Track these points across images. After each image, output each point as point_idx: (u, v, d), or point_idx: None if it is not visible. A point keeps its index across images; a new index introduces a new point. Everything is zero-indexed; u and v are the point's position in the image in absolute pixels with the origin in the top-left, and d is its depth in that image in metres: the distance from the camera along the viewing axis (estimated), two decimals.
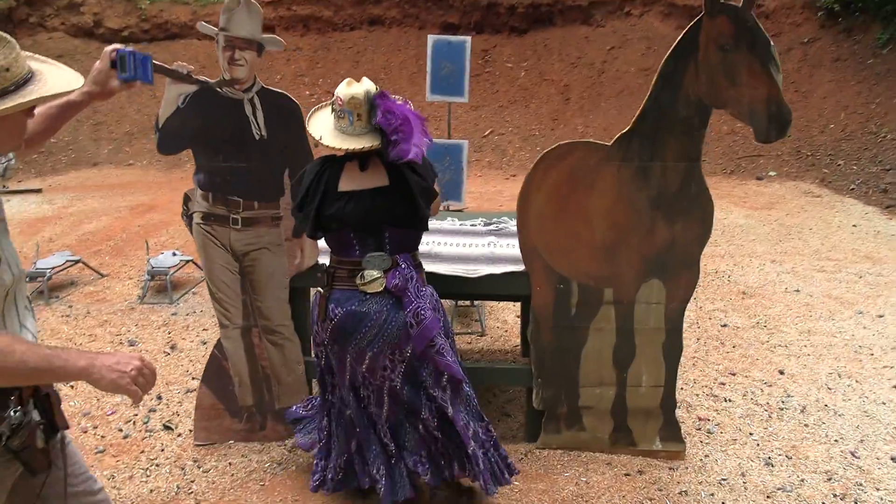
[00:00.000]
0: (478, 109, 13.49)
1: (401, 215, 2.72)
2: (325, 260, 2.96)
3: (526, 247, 3.29)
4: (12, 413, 1.57)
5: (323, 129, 2.70)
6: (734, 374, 4.36)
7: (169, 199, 9.69)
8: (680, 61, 3.01)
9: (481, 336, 5.02)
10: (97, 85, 2.03)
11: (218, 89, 3.14)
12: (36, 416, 1.66)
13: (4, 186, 9.97)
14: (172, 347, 4.80)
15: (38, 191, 10.41)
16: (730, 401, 4.03)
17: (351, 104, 2.56)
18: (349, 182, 2.71)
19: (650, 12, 14.13)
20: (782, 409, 3.92)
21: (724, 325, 5.17)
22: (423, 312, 2.71)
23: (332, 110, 2.68)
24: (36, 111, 1.90)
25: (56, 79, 1.61)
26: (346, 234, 2.74)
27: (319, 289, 2.85)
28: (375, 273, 2.70)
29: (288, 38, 14.76)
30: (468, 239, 3.87)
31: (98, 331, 5.12)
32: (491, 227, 4.07)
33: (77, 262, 6.24)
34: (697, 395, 4.10)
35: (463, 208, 7.85)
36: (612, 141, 3.14)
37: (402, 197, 2.70)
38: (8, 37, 1.53)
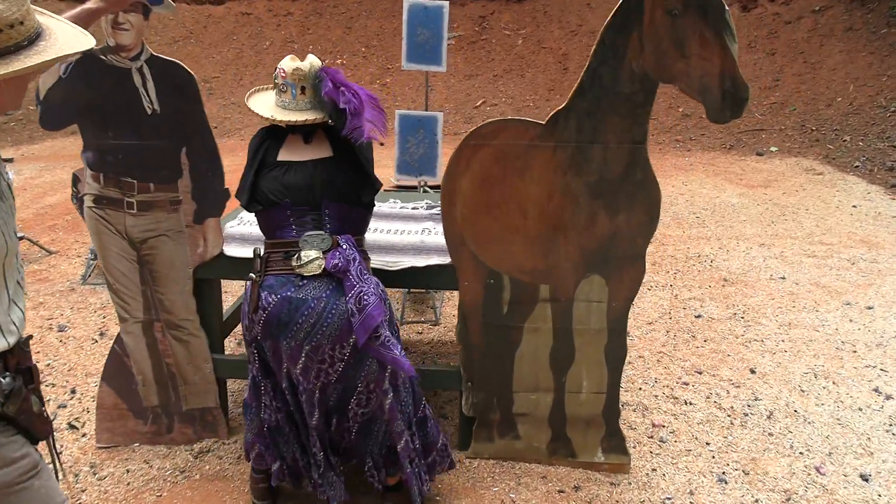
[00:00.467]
0: (471, 78, 13.04)
1: (343, 189, 2.53)
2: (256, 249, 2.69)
3: (452, 237, 2.93)
4: (2, 379, 1.56)
5: (262, 105, 2.58)
6: (700, 373, 4.01)
7: None
8: (622, 29, 2.62)
9: (434, 325, 4.68)
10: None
11: (101, 56, 2.78)
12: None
13: None
14: (101, 334, 4.49)
15: (10, 160, 10.10)
16: (690, 404, 3.68)
17: (295, 76, 2.46)
18: (290, 153, 2.56)
19: None
20: (747, 415, 3.57)
21: (699, 316, 4.80)
22: (366, 298, 2.42)
23: (275, 86, 2.55)
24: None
25: (66, 35, 1.54)
26: (281, 211, 2.52)
27: (251, 275, 2.54)
28: (313, 253, 2.45)
29: (279, 3, 14.34)
30: (402, 224, 3.51)
31: (30, 314, 4.82)
32: (433, 211, 3.71)
33: (21, 238, 5.93)
34: (657, 396, 3.76)
35: (438, 184, 7.52)
36: (547, 119, 2.77)
37: (346, 168, 2.54)
38: None
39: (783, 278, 5.51)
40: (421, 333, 4.55)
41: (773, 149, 10.44)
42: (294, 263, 2.46)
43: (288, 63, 2.51)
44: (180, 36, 13.94)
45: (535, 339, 3.02)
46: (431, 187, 7.88)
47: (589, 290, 2.95)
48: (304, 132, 2.58)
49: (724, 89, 2.54)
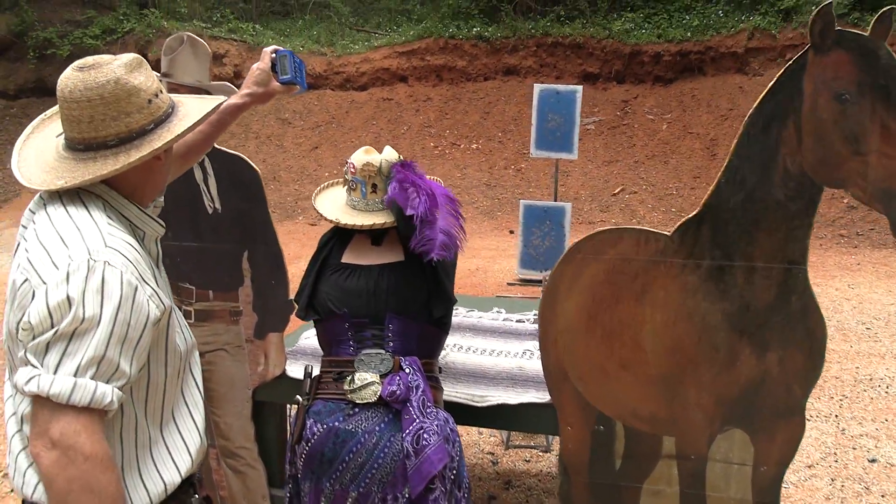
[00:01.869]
0: (610, 164, 12.46)
1: (411, 300, 2.10)
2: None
3: (552, 370, 2.37)
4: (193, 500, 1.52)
5: (330, 203, 2.24)
6: None
7: None
8: (774, 118, 2.04)
9: (545, 452, 4.05)
10: (259, 85, 1.94)
11: None
12: None
13: None
14: None
15: None
16: None
17: (365, 172, 2.15)
18: (355, 255, 2.19)
19: None
20: None
21: (873, 461, 3.90)
22: (426, 437, 1.94)
23: (345, 181, 2.22)
24: None
25: (194, 101, 1.55)
26: (339, 323, 2.11)
27: (298, 397, 2.15)
28: (369, 377, 2.02)
29: (420, 89, 14.48)
30: (501, 343, 2.98)
31: None
32: None
33: None
34: None
35: None
36: (674, 230, 2.19)
37: (417, 277, 2.11)
38: (141, 57, 1.44)
39: None
40: (529, 461, 3.93)
41: None
42: (346, 387, 2.03)
43: (359, 156, 2.18)
44: (323, 121, 14.28)
45: None
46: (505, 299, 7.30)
47: (728, 448, 2.28)
48: (373, 234, 2.19)
49: None
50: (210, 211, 2.54)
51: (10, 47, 15.42)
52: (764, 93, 2.04)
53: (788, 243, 2.09)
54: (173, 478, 1.45)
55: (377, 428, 1.98)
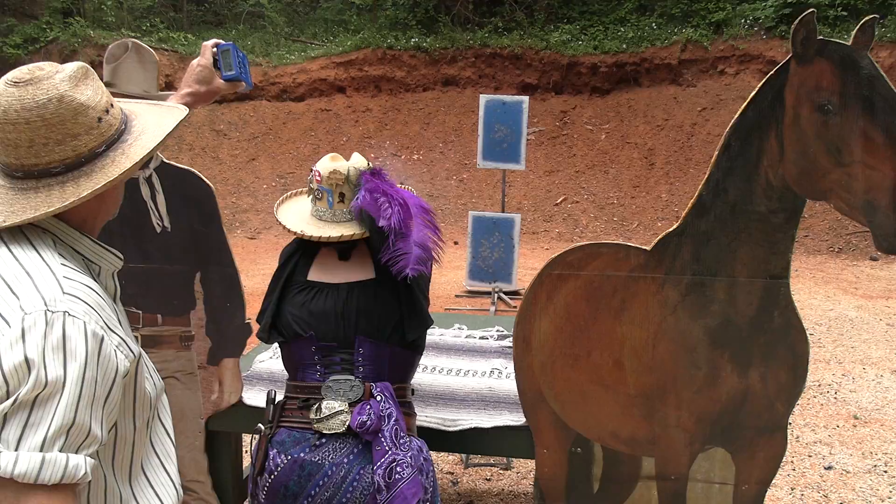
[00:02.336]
0: (551, 175, 12.54)
1: (383, 323, 1.94)
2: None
3: (527, 392, 2.27)
4: None
5: (294, 215, 2.06)
6: None
7: None
8: (754, 130, 1.99)
9: (505, 470, 3.95)
10: (201, 84, 1.80)
11: None
12: None
13: None
14: None
15: None
16: None
17: (331, 180, 1.96)
18: (322, 271, 2.01)
19: (746, 70, 12.95)
20: None
21: (829, 468, 3.93)
22: (399, 470, 1.81)
23: (310, 190, 2.03)
24: None
25: (150, 112, 1.35)
26: (306, 346, 1.95)
27: (260, 425, 1.98)
28: (337, 405, 1.88)
29: (358, 100, 14.33)
30: (467, 362, 2.87)
31: None
32: (505, 344, 3.07)
33: None
34: None
35: (517, 290, 6.88)
36: (653, 245, 2.12)
37: (389, 296, 1.95)
38: (87, 66, 1.24)
39: None
40: (489, 480, 3.83)
41: None
42: (312, 416, 1.89)
43: (325, 164, 2.00)
44: (259, 132, 13.98)
45: None
46: (506, 293, 7.27)
47: (709, 468, 2.22)
48: (340, 248, 2.03)
49: None
50: (158, 230, 2.36)
51: None
52: (745, 104, 1.99)
53: (771, 257, 2.05)
54: None
55: (345, 460, 1.85)
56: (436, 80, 14.55)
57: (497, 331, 3.24)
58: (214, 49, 1.82)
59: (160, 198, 2.34)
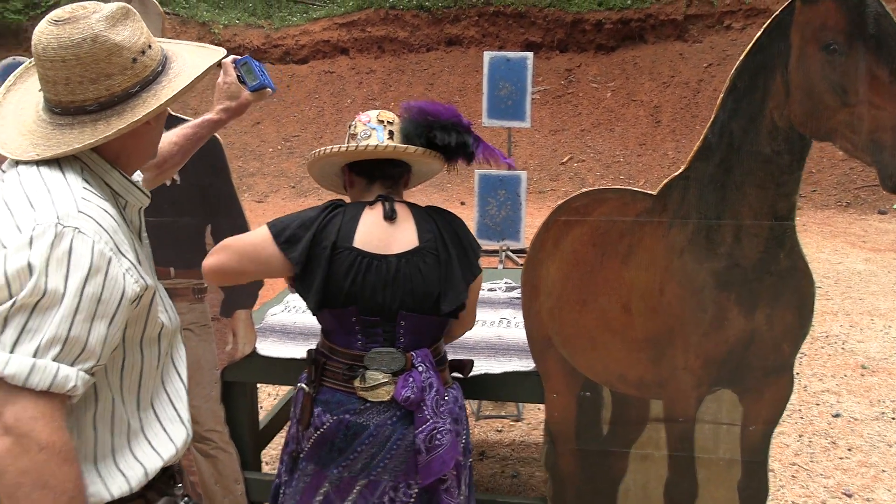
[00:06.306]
0: (557, 134, 12.47)
1: (426, 297, 1.92)
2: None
3: (536, 337, 2.31)
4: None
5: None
6: (850, 496, 3.21)
7: None
8: (760, 71, 1.99)
9: (516, 421, 4.02)
10: (231, 99, 1.86)
11: None
12: None
13: None
14: None
15: None
16: None
17: (382, 117, 2.00)
18: (369, 238, 1.90)
19: (753, 25, 12.77)
20: None
21: (837, 416, 3.98)
22: (439, 437, 1.89)
23: (352, 137, 2.02)
24: (169, 132, 1.76)
25: (190, 52, 1.37)
26: (346, 315, 1.92)
27: (302, 385, 2.00)
28: (381, 376, 1.90)
29: (362, 61, 14.23)
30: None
31: None
32: (513, 295, 3.09)
33: None
34: None
35: (524, 248, 6.89)
36: (659, 189, 2.14)
37: (432, 268, 1.92)
38: (128, 6, 1.25)
39: None
40: (501, 431, 3.89)
41: None
42: (357, 384, 1.91)
43: (370, 113, 2.03)
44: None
45: (644, 470, 2.33)
46: (514, 251, 7.27)
47: (716, 409, 2.26)
48: (388, 204, 1.94)
49: None
50: (168, 183, 2.39)
51: None
52: (750, 45, 1.99)
53: (776, 199, 2.06)
54: (154, 463, 1.32)
55: (389, 422, 1.89)
56: (439, 40, 14.41)
57: (505, 282, 3.27)
58: (234, 65, 1.86)
59: None
